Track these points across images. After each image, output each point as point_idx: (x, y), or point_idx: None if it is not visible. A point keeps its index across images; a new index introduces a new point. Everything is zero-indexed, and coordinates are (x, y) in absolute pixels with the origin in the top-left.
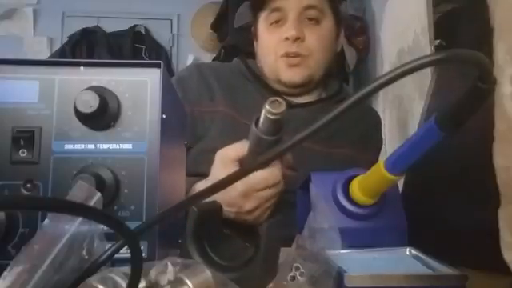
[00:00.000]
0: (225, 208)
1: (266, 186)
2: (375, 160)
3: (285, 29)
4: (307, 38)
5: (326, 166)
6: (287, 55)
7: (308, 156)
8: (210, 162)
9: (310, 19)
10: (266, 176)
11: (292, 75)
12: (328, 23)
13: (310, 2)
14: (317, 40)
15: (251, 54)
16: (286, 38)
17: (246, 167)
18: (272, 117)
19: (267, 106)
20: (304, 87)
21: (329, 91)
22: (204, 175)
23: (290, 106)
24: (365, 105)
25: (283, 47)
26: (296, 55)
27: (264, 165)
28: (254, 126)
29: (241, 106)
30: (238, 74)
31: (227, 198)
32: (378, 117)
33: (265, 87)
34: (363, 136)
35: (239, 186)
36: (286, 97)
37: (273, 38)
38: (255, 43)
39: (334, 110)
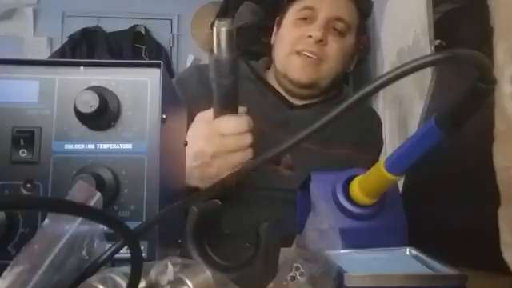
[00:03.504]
0: (191, 164)
1: (230, 132)
2: (375, 161)
3: (311, 28)
4: (329, 44)
5: (325, 166)
6: (303, 52)
7: (307, 156)
8: None
9: (336, 29)
10: (233, 122)
11: (299, 73)
12: (350, 39)
13: (341, 15)
14: (337, 50)
15: (253, 54)
16: (310, 36)
17: (246, 165)
18: (223, 28)
19: (216, 22)
20: (307, 89)
21: (330, 93)
22: None
23: (290, 107)
24: (365, 105)
25: (302, 43)
26: (313, 54)
27: (265, 163)
28: (209, 57)
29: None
30: (240, 75)
31: (194, 148)
32: (378, 117)
33: (268, 87)
34: (363, 137)
35: (204, 129)
36: (287, 97)
37: (296, 32)
38: (274, 32)
39: (333, 110)
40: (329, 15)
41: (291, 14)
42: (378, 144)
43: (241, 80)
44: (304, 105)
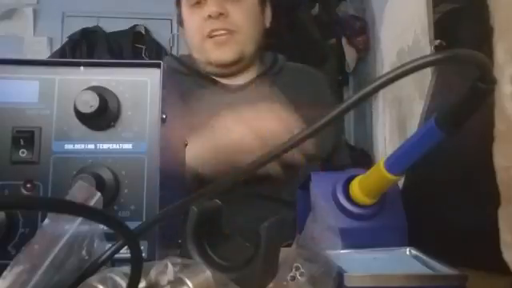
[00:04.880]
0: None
1: None
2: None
3: (206, 7)
4: (231, 14)
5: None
6: (214, 33)
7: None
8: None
9: None
10: None
11: (221, 54)
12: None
13: None
14: (241, 14)
15: None
16: (209, 16)
17: (247, 166)
18: None
19: None
20: (236, 65)
21: (264, 65)
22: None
23: (230, 91)
24: (301, 67)
25: (208, 26)
26: (222, 30)
27: (265, 164)
28: None
29: (190, 107)
30: (174, 72)
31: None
32: (321, 75)
33: (201, 77)
34: (315, 97)
35: None
36: (222, 80)
37: (196, 19)
38: (181, 29)
39: (334, 110)
40: None
41: (185, 4)
42: (330, 99)
43: (173, 77)
44: (243, 85)
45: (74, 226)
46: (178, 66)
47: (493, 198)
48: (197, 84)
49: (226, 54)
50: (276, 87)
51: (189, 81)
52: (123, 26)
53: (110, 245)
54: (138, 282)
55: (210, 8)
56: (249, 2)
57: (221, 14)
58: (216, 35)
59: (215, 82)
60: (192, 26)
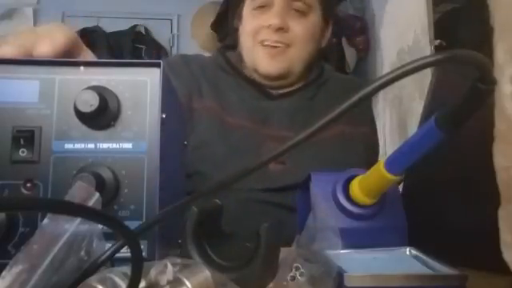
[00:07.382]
0: None
1: None
2: (372, 133)
3: (269, 16)
4: (291, 29)
5: (317, 152)
6: (266, 43)
7: (298, 147)
8: (201, 158)
9: (297, 10)
10: None
11: (269, 65)
12: (315, 17)
13: None
14: (300, 32)
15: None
16: (269, 26)
17: (246, 167)
18: None
19: None
20: (282, 80)
21: (310, 75)
22: (198, 174)
23: (270, 98)
24: (347, 79)
25: (264, 35)
26: (277, 43)
27: (266, 164)
28: None
29: (224, 102)
30: (218, 67)
31: None
32: None
33: (244, 80)
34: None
35: None
36: (267, 89)
37: (255, 23)
38: (240, 27)
39: (333, 111)
40: None
41: (248, 4)
42: (370, 115)
43: (217, 73)
44: (285, 93)
45: (73, 225)
46: (222, 63)
47: (493, 198)
48: (238, 85)
49: (274, 66)
50: (318, 98)
51: (231, 80)
52: (123, 25)
53: (109, 245)
54: (138, 282)
55: (273, 19)
56: (312, 21)
57: (281, 29)
58: (269, 45)
59: (258, 86)
60: (249, 29)
